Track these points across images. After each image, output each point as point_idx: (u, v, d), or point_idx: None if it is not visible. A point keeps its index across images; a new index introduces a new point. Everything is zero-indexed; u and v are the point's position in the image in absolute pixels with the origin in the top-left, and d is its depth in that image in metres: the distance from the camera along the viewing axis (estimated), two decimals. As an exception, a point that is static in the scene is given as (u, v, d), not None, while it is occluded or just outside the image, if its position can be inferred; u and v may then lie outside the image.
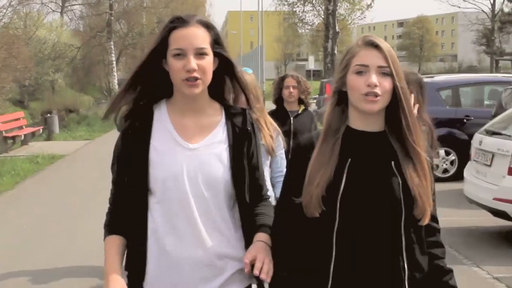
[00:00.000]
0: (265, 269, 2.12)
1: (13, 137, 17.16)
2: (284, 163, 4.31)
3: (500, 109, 9.46)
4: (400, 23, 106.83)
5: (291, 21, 42.15)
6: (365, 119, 2.13)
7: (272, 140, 4.19)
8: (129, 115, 2.26)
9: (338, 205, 2.04)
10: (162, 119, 2.26)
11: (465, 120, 11.32)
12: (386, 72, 2.07)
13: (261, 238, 2.23)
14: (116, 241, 2.27)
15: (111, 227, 2.29)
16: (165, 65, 2.22)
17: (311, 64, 42.62)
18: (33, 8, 33.22)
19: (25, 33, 27.82)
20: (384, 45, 2.10)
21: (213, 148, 2.24)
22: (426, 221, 2.09)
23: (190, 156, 2.21)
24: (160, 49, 2.21)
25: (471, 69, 67.08)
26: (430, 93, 12.39)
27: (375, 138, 2.14)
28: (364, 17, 37.88)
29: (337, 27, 27.91)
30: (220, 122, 2.29)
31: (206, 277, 2.21)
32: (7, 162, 13.95)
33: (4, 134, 16.70)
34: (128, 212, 2.25)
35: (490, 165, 7.20)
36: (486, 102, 12.38)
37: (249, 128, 2.30)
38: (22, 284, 5.98)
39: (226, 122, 2.29)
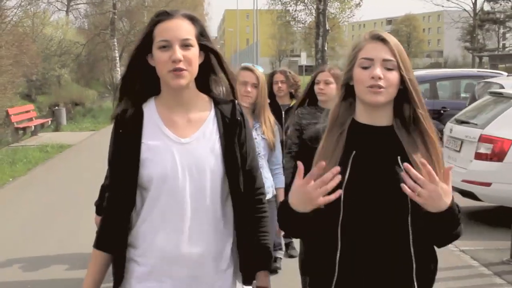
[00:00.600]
0: None
1: (24, 128, 17.75)
2: (280, 155, 4.48)
3: (473, 100, 9.94)
4: (389, 21, 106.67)
5: (285, 19, 42.03)
6: (371, 112, 2.09)
7: (273, 135, 4.30)
8: (120, 115, 2.21)
9: (342, 196, 1.98)
10: (152, 116, 2.20)
11: (442, 111, 11.96)
12: (391, 65, 2.03)
13: (263, 283, 2.27)
14: (101, 259, 2.23)
15: (100, 241, 2.24)
16: (151, 60, 2.17)
17: (303, 60, 42.81)
18: (40, 7, 33.29)
19: (32, 30, 27.93)
20: (390, 38, 2.07)
21: (205, 141, 2.19)
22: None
23: (183, 151, 2.16)
24: (146, 44, 2.17)
25: (433, 65, 68.08)
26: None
27: (381, 132, 2.09)
28: (353, 15, 38.11)
29: (327, 25, 28.41)
30: (210, 114, 2.24)
31: (198, 275, 2.18)
32: (19, 151, 14.49)
33: (16, 125, 17.29)
34: (121, 220, 2.19)
35: (459, 151, 7.61)
36: (462, 95, 13.14)
37: (239, 118, 2.25)
38: (26, 269, 6.09)
39: (216, 114, 2.24)
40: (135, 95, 2.22)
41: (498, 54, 30.60)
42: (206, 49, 2.23)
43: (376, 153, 2.06)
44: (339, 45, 65.71)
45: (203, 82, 2.27)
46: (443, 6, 59.68)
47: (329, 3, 31.65)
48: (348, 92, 2.14)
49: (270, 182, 4.30)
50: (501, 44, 61.61)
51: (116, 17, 34.27)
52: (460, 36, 60.83)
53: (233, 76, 2.33)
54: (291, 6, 38.66)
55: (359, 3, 36.64)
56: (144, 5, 37.89)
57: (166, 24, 2.14)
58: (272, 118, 4.39)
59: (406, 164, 1.93)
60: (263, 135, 4.26)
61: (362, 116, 2.12)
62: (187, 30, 2.15)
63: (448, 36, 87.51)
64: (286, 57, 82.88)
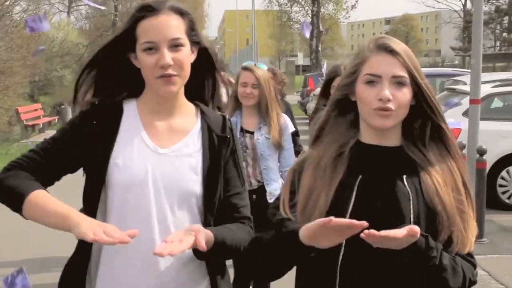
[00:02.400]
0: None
1: (33, 126, 18.55)
2: (291, 157, 4.30)
3: (444, 98, 10.03)
4: (387, 21, 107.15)
5: (282, 20, 42.88)
6: (379, 133, 1.78)
7: (279, 134, 4.16)
8: (98, 105, 1.92)
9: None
10: (131, 116, 1.92)
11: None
12: (402, 81, 1.72)
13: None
14: (45, 193, 1.88)
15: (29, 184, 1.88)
16: (135, 60, 1.89)
17: (300, 60, 44.02)
18: (41, 9, 33.87)
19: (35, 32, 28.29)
20: (399, 48, 1.75)
21: (185, 155, 1.91)
22: (456, 248, 1.72)
23: (159, 162, 1.87)
24: (127, 42, 1.87)
25: (432, 65, 68.35)
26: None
27: (390, 153, 1.80)
28: (349, 16, 39.10)
29: (320, 27, 29.37)
30: (196, 127, 1.95)
31: None
32: (30, 147, 15.27)
33: (25, 123, 18.04)
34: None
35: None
36: (438, 93, 14.08)
37: (228, 136, 1.96)
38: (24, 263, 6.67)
39: (202, 127, 1.95)
40: (110, 93, 1.95)
41: (477, 55, 31.95)
42: (198, 46, 1.95)
43: (384, 177, 1.77)
44: (338, 45, 66.62)
45: (193, 86, 1.99)
46: (434, 8, 60.99)
47: (324, 5, 32.53)
48: (345, 108, 1.84)
49: (278, 185, 4.14)
50: (498, 43, 62.17)
51: (117, 19, 35.01)
52: (457, 36, 61.74)
53: (221, 78, 2.07)
54: (287, 7, 39.90)
55: (355, 4, 37.79)
56: (145, 7, 38.57)
57: (151, 22, 1.84)
58: (279, 117, 4.26)
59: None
60: (267, 135, 4.16)
61: (368, 136, 1.82)
62: (176, 28, 1.85)
63: (445, 36, 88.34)
64: (285, 57, 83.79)
